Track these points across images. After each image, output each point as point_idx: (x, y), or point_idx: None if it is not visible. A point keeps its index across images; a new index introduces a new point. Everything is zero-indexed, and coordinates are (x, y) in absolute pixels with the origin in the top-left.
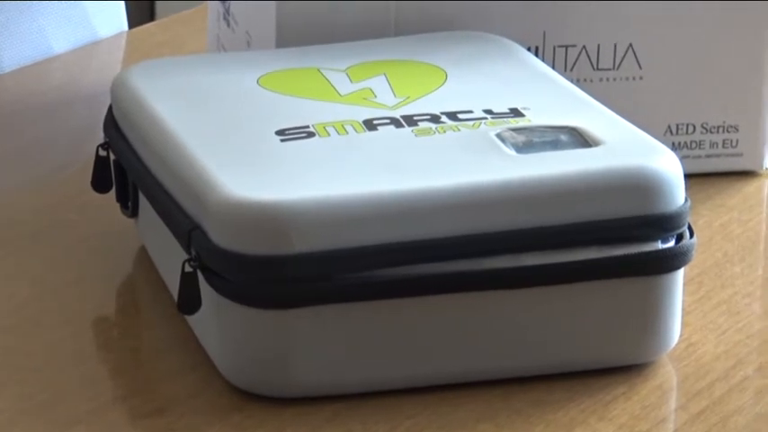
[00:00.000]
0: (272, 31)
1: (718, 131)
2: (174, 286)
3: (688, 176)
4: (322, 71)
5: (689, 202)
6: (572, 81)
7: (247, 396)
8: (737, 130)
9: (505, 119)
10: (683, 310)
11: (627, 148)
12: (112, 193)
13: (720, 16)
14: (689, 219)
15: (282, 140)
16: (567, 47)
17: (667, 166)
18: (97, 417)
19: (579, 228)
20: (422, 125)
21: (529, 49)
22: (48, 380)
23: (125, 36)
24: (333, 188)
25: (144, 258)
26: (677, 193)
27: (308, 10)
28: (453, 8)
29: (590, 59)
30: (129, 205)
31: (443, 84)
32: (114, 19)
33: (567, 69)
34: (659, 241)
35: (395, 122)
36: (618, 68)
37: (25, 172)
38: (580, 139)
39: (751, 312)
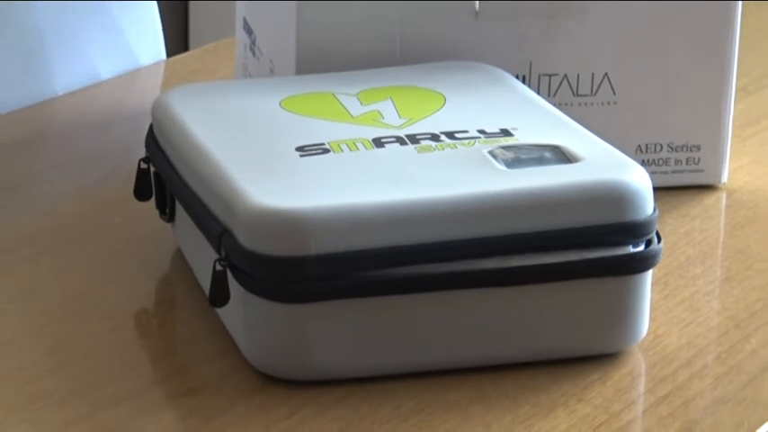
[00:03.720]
0: (292, 59)
1: (682, 150)
2: (205, 283)
3: (656, 189)
4: (336, 95)
5: (657, 212)
6: (555, 105)
7: (269, 379)
8: (699, 149)
9: (496, 138)
10: (651, 306)
11: (603, 164)
12: (152, 201)
13: (685, 50)
14: (657, 226)
15: (301, 156)
16: (550, 75)
17: (638, 180)
18: (138, 396)
19: (560, 234)
20: (423, 143)
21: (517, 77)
22: (95, 364)
23: (163, 64)
24: (345, 198)
25: (179, 258)
26: (647, 204)
27: (325, 41)
28: (451, 41)
29: (571, 86)
30: (166, 211)
31: (442, 107)
32: (154, 49)
33: (550, 95)
34: (631, 246)
35: (400, 141)
36: (595, 94)
37: (76, 182)
38: (562, 156)
39: (710, 308)
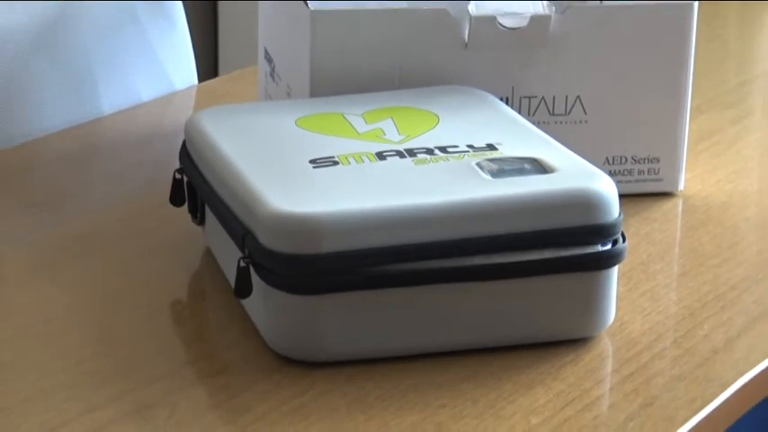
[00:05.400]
0: (306, 84)
1: (644, 162)
2: (231, 277)
3: (621, 196)
4: (344, 115)
5: (622, 216)
6: (534, 123)
7: (286, 360)
8: (659, 161)
9: (483, 152)
10: (617, 297)
11: (575, 174)
12: (185, 206)
13: (647, 75)
14: (622, 228)
15: (314, 167)
16: (530, 97)
17: (606, 188)
18: (173, 376)
19: (538, 234)
20: (420, 156)
21: (501, 100)
22: (135, 347)
23: (195, 88)
24: (352, 203)
25: (209, 256)
26: (613, 209)
27: (335, 69)
28: (444, 68)
29: (547, 107)
30: (197, 216)
31: (436, 125)
32: (187, 75)
33: (530, 114)
34: (599, 245)
35: (399, 154)
36: (568, 114)
37: (119, 190)
38: (540, 167)
39: (668, 299)
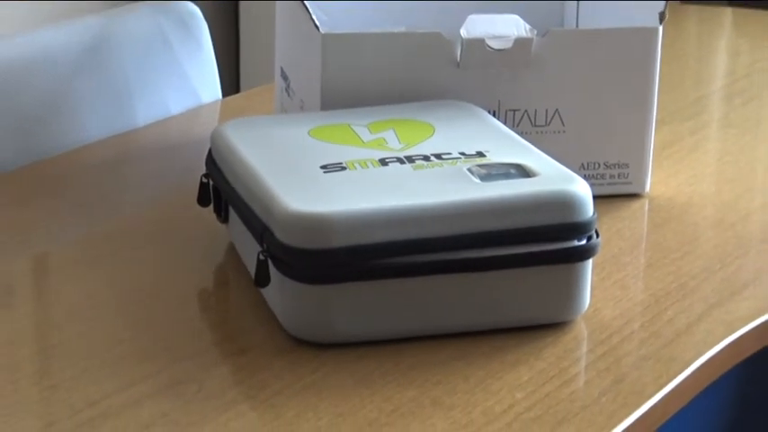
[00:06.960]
0: (317, 99)
1: (615, 167)
2: (251, 269)
3: (595, 197)
4: (351, 126)
5: (596, 214)
6: (518, 133)
7: (300, 342)
8: (628, 166)
9: (473, 158)
10: (592, 286)
11: (555, 178)
12: (211, 207)
13: (618, 92)
14: (596, 225)
15: (324, 172)
16: (514, 111)
17: (581, 190)
18: (200, 355)
19: (522, 231)
20: (418, 162)
21: (489, 112)
22: (166, 330)
23: (219, 103)
24: (358, 204)
25: (232, 251)
26: (588, 208)
27: (343, 85)
28: (439, 85)
29: (530, 119)
30: (222, 215)
31: (432, 135)
32: (212, 91)
33: (514, 125)
34: (576, 240)
35: (400, 160)
36: (548, 125)
37: (153, 192)
38: (523, 171)
39: (637, 288)
